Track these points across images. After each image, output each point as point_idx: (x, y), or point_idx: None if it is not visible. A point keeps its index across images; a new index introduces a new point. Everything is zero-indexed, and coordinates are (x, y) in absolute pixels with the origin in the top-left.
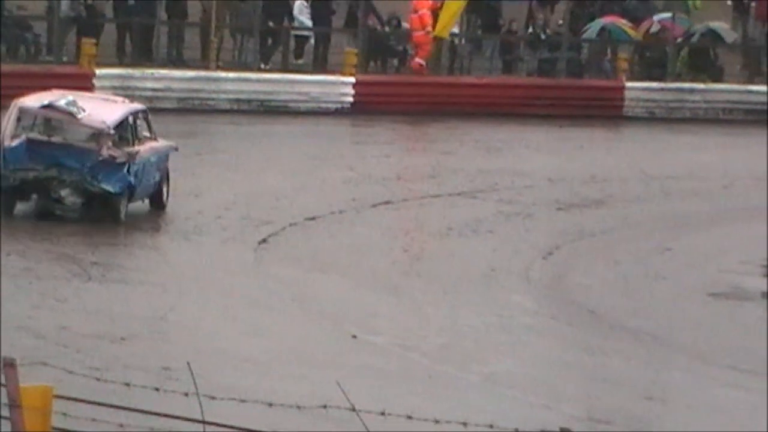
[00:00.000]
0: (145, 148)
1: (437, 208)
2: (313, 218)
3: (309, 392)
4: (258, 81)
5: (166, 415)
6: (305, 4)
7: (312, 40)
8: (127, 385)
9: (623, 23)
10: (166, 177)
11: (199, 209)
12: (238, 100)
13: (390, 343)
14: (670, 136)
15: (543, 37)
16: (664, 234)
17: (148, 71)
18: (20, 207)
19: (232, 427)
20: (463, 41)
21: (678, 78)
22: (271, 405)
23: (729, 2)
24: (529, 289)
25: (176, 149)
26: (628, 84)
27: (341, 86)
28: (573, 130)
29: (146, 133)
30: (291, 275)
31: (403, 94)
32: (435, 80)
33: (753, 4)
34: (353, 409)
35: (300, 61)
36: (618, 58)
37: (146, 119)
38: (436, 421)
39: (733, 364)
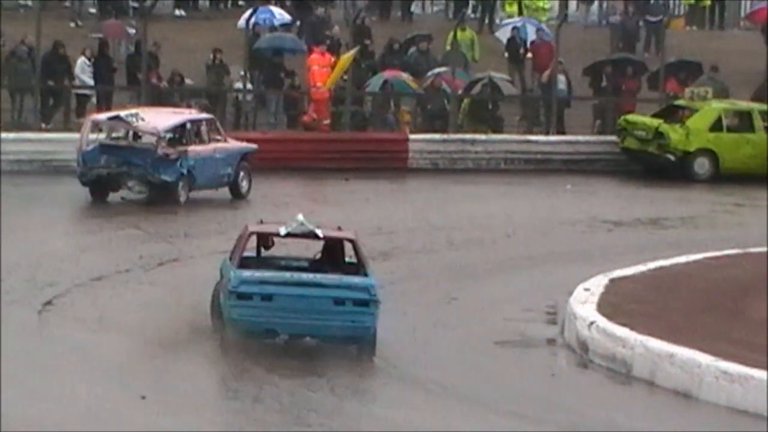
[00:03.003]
0: (203, 148)
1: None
2: (99, 278)
3: None
4: (39, 141)
5: None
6: (87, 62)
7: (94, 99)
8: None
9: (405, 77)
10: (245, 172)
11: None
12: (18, 161)
13: (180, 403)
14: (453, 187)
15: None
16: (450, 284)
17: None
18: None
19: None
20: (247, 96)
21: (460, 129)
22: None
23: (505, 54)
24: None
25: (255, 150)
26: (412, 136)
27: None
28: (359, 183)
29: (218, 137)
30: (77, 337)
31: None
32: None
33: (528, 56)
34: None
35: (82, 120)
36: (401, 110)
37: (213, 126)
38: None
39: (519, 411)
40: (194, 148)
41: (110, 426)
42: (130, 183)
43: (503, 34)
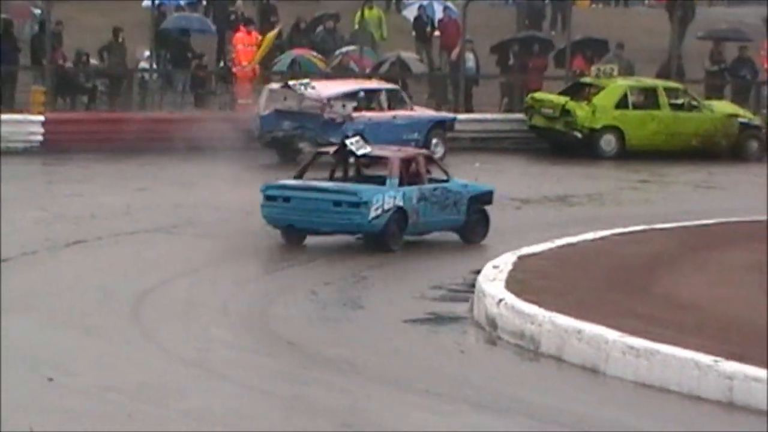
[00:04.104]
0: (379, 114)
1: (133, 246)
2: (5, 260)
3: None
4: None
5: None
6: None
7: None
8: None
9: (313, 55)
10: (439, 139)
11: None
12: None
13: (87, 384)
14: None
15: (234, 70)
16: (360, 262)
17: None
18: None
19: None
20: (154, 76)
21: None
22: None
23: (413, 33)
24: (227, 322)
25: (452, 119)
26: None
27: (29, 125)
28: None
29: (404, 104)
30: None
31: (95, 131)
32: (127, 116)
33: (435, 34)
34: None
35: None
36: None
37: (398, 96)
38: None
39: (428, 389)
40: (365, 114)
41: (17, 408)
42: (301, 144)
43: (410, 13)
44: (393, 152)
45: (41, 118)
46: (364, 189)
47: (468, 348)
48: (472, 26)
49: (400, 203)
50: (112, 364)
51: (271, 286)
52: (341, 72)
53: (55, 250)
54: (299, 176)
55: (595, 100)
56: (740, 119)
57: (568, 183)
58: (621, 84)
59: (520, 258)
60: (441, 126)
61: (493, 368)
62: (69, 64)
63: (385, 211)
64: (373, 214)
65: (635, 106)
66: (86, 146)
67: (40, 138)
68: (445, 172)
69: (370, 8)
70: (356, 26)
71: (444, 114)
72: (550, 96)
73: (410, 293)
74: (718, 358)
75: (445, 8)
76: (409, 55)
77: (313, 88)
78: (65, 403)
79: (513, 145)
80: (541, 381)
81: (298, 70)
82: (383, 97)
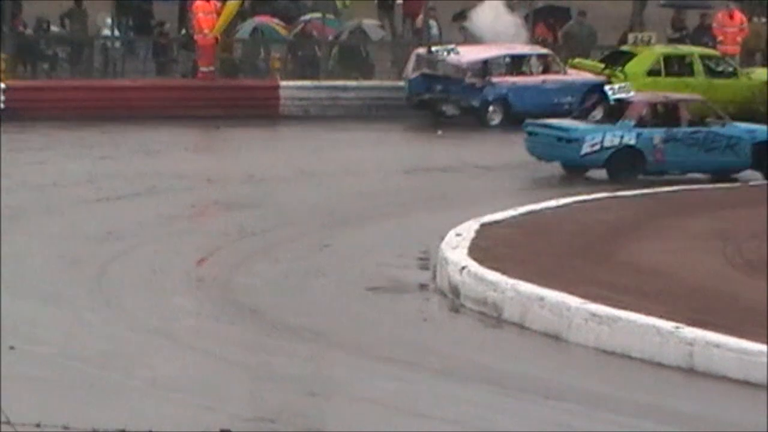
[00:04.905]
0: (525, 78)
1: (96, 214)
2: None
3: None
4: None
5: None
6: None
7: None
8: None
9: (275, 23)
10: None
11: None
12: None
13: (50, 352)
14: (325, 134)
15: (195, 38)
16: (323, 231)
17: None
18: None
19: None
20: (115, 44)
21: (331, 76)
22: None
23: (375, 1)
24: (191, 290)
25: (603, 83)
26: (283, 83)
27: None
28: (230, 131)
29: (556, 68)
30: None
31: (57, 98)
32: (89, 84)
33: (398, 2)
34: (8, 422)
35: None
36: (272, 57)
37: (550, 60)
38: (94, 431)
39: (392, 357)
40: (507, 79)
41: None
42: (444, 107)
43: None
44: (641, 97)
45: (2, 85)
46: (579, 128)
47: (431, 315)
48: None
49: (631, 142)
50: (75, 333)
51: (235, 255)
52: (304, 39)
53: (17, 218)
54: (579, 117)
55: (627, 67)
56: None
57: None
58: (654, 51)
59: (483, 225)
60: (599, 90)
61: (456, 335)
62: (29, 31)
63: (605, 148)
64: (586, 149)
65: (669, 74)
66: (48, 114)
67: (1, 106)
68: (720, 117)
69: None
70: None
71: (599, 78)
72: (587, 62)
73: (374, 261)
74: (679, 325)
75: None
76: (371, 23)
77: (457, 53)
78: (27, 370)
79: None
80: (503, 348)
81: (260, 37)
82: (533, 61)
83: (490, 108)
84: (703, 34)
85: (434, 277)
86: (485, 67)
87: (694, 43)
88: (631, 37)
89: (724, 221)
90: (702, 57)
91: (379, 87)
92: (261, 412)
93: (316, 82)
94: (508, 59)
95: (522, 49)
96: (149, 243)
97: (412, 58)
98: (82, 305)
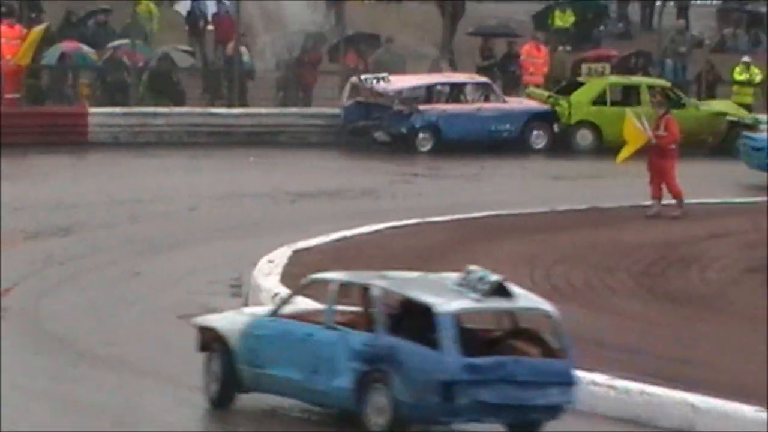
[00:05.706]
0: (456, 106)
1: None
2: None
3: None
4: None
5: None
6: None
7: None
8: None
9: (84, 49)
10: (541, 131)
11: None
12: None
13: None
14: (135, 161)
15: None
16: (133, 258)
17: None
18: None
19: None
20: None
21: (141, 102)
22: None
23: (186, 28)
24: None
25: (546, 112)
26: (92, 110)
27: None
28: (37, 158)
29: (493, 97)
30: None
31: None
32: None
33: (209, 28)
34: None
35: None
36: (80, 83)
37: (486, 89)
38: None
39: (199, 384)
40: (437, 106)
41: None
42: (376, 134)
43: (183, 7)
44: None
45: None
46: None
47: None
48: (245, 21)
49: None
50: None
51: (42, 284)
52: (114, 66)
53: None
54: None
55: (573, 96)
56: (729, 117)
57: (343, 176)
58: (602, 81)
59: (295, 252)
60: (542, 118)
61: None
62: None
63: None
64: None
65: (614, 103)
66: None
67: None
68: None
69: (140, 3)
70: (129, 20)
71: (543, 106)
72: (539, 91)
73: (185, 288)
74: None
75: (219, 2)
76: (179, 49)
77: (388, 81)
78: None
79: (289, 140)
80: None
81: (68, 63)
82: (469, 89)
83: (420, 135)
84: (510, 62)
85: (246, 304)
86: (413, 95)
87: (502, 71)
88: (584, 68)
89: (533, 245)
90: (650, 87)
91: (191, 113)
92: None
93: (125, 109)
94: (439, 87)
95: (457, 77)
96: None
97: (347, 87)
98: None
